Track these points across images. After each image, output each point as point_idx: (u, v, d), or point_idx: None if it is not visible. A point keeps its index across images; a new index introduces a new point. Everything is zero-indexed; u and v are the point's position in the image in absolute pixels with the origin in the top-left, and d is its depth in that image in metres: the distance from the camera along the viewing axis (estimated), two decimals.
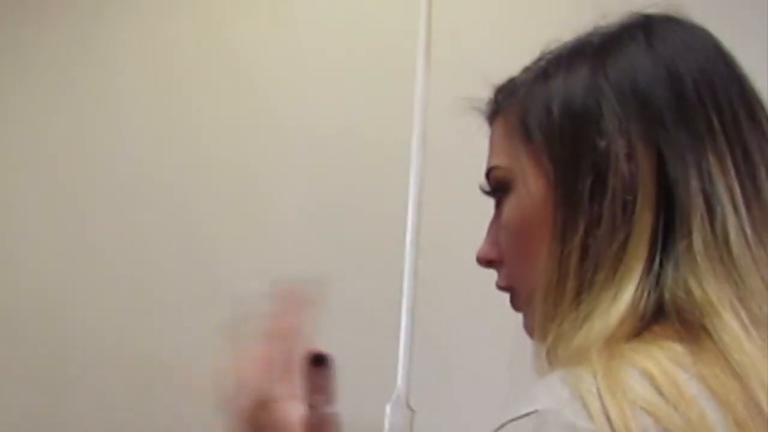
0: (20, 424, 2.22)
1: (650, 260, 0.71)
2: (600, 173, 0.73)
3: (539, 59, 0.82)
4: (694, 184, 0.71)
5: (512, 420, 0.66)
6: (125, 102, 2.28)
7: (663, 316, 0.70)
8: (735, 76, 0.76)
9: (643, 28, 0.78)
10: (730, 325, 0.67)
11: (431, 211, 2.17)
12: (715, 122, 0.73)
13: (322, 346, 0.87)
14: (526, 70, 0.82)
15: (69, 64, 2.30)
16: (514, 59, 2.30)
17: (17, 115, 2.32)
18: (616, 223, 0.71)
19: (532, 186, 0.77)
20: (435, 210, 2.16)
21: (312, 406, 0.84)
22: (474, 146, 2.22)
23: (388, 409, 2.13)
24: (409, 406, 2.14)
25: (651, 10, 0.80)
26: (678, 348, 0.67)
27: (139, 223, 2.25)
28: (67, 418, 2.22)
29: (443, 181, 2.17)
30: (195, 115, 2.25)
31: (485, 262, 0.84)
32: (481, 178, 2.15)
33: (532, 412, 0.65)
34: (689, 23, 0.79)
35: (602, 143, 0.73)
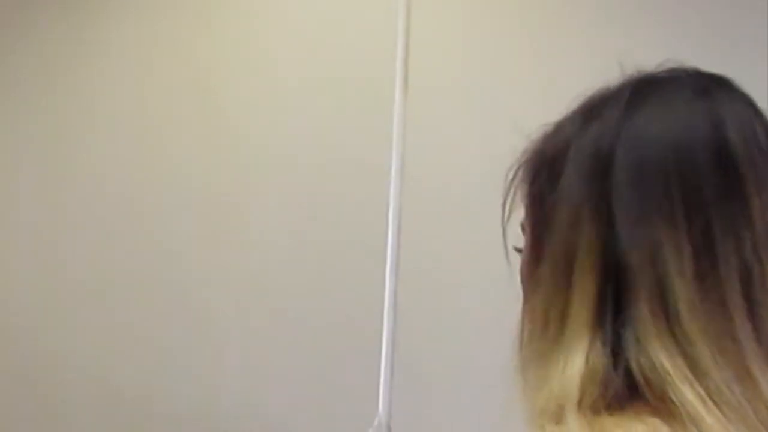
0: None
1: (599, 327, 0.70)
2: (551, 238, 0.73)
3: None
4: (645, 253, 0.70)
5: None
6: (107, 117, 2.28)
7: (635, 387, 0.69)
8: (715, 142, 0.72)
9: (630, 91, 0.75)
10: (689, 398, 0.67)
11: (411, 236, 2.17)
12: (675, 192, 0.71)
13: None
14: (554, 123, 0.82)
15: (51, 80, 2.31)
16: (490, 83, 2.28)
17: None
18: (558, 287, 0.72)
19: (526, 241, 0.79)
20: (415, 235, 2.16)
21: None
22: (452, 169, 2.21)
23: None
24: None
25: (666, 65, 0.77)
26: (663, 428, 0.67)
27: (118, 236, 2.24)
28: None
29: (422, 205, 2.17)
30: (171, 141, 2.26)
31: None
32: (458, 205, 2.12)
33: None
34: (688, 82, 0.76)
35: (554, 206, 0.74)
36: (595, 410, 0.68)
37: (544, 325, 0.72)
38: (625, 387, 0.69)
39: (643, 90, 0.75)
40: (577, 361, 0.69)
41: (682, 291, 0.69)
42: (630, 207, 0.71)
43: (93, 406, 2.19)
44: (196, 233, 2.22)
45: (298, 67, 2.22)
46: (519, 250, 0.82)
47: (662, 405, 0.67)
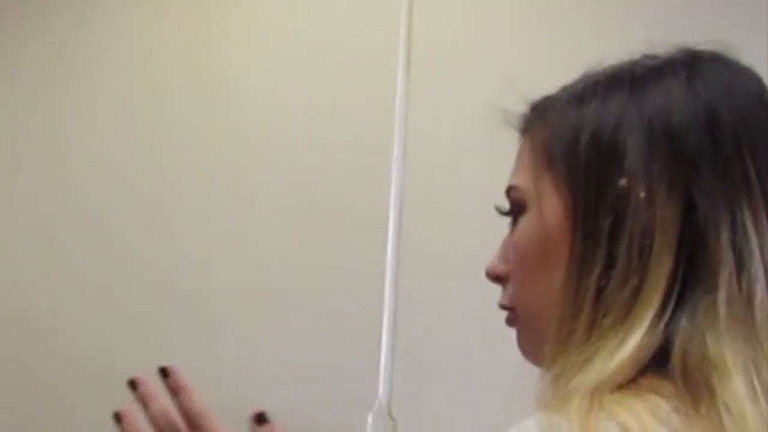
0: None
1: (663, 308, 0.68)
2: (619, 213, 0.70)
3: (578, 81, 0.79)
4: (726, 235, 0.68)
5: None
6: (107, 108, 2.29)
7: (660, 366, 0.68)
8: None
9: (688, 66, 0.75)
10: (738, 389, 0.65)
11: (412, 220, 2.19)
12: (752, 172, 0.70)
13: (259, 407, 0.86)
14: (563, 89, 0.79)
15: (50, 72, 2.32)
16: (493, 67, 2.31)
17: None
18: (632, 267, 0.69)
19: (549, 212, 0.75)
20: (416, 220, 2.18)
21: None
22: (454, 154, 2.23)
23: (369, 418, 2.16)
24: (390, 416, 2.16)
25: (700, 47, 0.77)
26: (664, 405, 0.65)
27: (119, 229, 2.25)
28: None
29: (424, 190, 2.19)
30: (176, 124, 2.27)
31: (492, 276, 0.82)
32: (460, 188, 2.14)
33: None
34: (736, 65, 0.76)
35: (623, 183, 0.71)
36: (608, 389, 0.66)
37: (608, 306, 0.69)
38: (652, 365, 0.68)
39: (699, 67, 0.75)
40: (631, 342, 0.67)
41: (763, 276, 0.68)
42: (710, 188, 0.69)
43: (96, 387, 2.19)
44: (199, 213, 2.24)
45: (301, 51, 2.24)
46: (505, 213, 0.81)
47: (687, 386, 0.66)
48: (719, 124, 0.71)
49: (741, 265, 0.67)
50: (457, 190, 2.12)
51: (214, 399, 2.21)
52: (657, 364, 0.68)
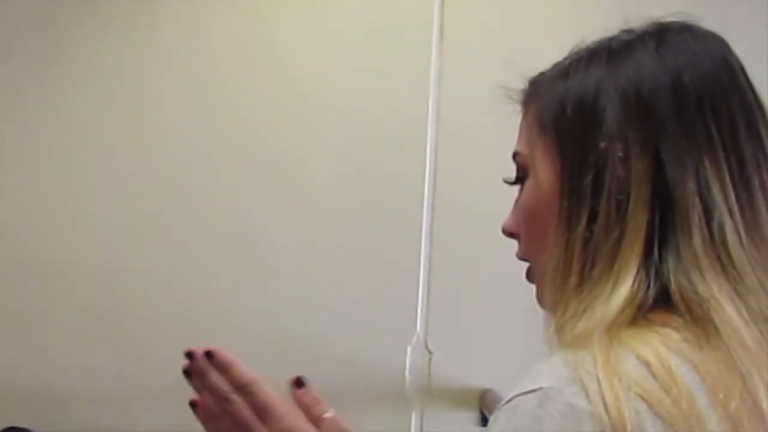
0: (82, 378, 2.25)
1: (647, 254, 0.71)
2: (599, 172, 0.73)
3: (566, 57, 0.83)
4: (691, 186, 0.71)
5: (519, 395, 0.67)
6: (176, 90, 2.29)
7: (666, 305, 0.71)
8: (737, 86, 0.76)
9: (656, 37, 0.78)
10: (733, 318, 0.68)
11: (444, 177, 2.25)
12: (713, 130, 0.73)
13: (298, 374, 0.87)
14: (554, 65, 0.83)
15: (124, 58, 2.31)
16: (522, 40, 2.27)
17: (81, 103, 2.30)
18: (611, 220, 0.72)
19: (543, 175, 0.79)
20: (447, 177, 2.25)
21: (317, 419, 0.86)
22: (482, 117, 2.28)
23: (408, 350, 2.25)
24: (427, 349, 2.25)
25: (669, 19, 0.80)
26: (675, 335, 0.69)
27: (189, 195, 2.28)
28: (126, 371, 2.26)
29: (455, 149, 2.25)
30: (242, 100, 2.29)
31: (507, 233, 0.86)
32: (486, 147, 2.14)
33: (537, 389, 0.66)
34: (702, 32, 0.79)
35: (602, 145, 0.74)
36: (622, 326, 0.70)
37: (595, 256, 0.73)
38: (654, 303, 0.71)
39: (667, 38, 0.78)
40: (623, 287, 0.71)
41: (729, 220, 0.71)
42: (676, 147, 0.73)
43: (171, 330, 2.26)
44: (264, 178, 2.28)
45: (348, 29, 2.30)
46: (514, 182, 0.84)
47: (694, 319, 0.69)
48: (683, 89, 0.74)
49: (707, 211, 0.71)
50: (482, 149, 2.18)
51: (277, 335, 2.25)
52: (664, 302, 0.71)
